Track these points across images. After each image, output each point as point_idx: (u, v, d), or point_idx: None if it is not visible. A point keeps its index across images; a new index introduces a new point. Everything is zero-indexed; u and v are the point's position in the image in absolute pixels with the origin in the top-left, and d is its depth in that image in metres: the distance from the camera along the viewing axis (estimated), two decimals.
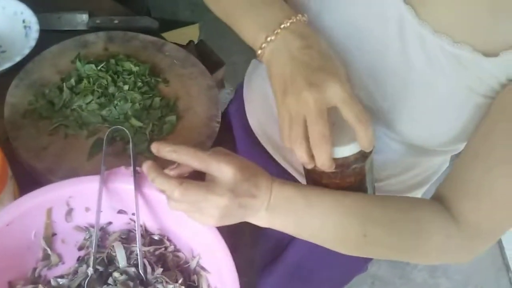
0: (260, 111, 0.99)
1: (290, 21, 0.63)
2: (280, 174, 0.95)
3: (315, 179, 0.70)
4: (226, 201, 0.61)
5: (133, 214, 0.74)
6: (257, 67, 1.01)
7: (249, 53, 0.71)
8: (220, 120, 0.90)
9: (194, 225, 0.69)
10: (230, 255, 0.67)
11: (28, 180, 0.76)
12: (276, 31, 0.62)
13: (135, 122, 0.85)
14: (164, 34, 1.08)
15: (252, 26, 0.65)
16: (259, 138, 1.00)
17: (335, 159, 0.65)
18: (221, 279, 0.67)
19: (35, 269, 0.71)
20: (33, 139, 0.80)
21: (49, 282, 0.69)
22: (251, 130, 1.01)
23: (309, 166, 0.64)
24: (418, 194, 0.97)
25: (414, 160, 0.89)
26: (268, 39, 0.63)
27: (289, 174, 0.97)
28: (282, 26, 0.62)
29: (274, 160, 0.98)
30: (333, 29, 0.72)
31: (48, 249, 0.71)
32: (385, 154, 0.82)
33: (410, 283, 2.08)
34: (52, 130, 0.82)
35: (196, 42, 1.09)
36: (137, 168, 0.74)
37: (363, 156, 0.67)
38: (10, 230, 0.64)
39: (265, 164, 0.84)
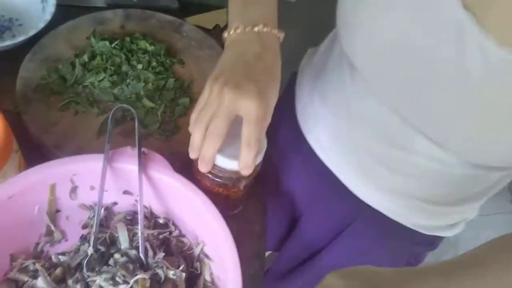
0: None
1: (265, 28, 0.65)
2: (321, 172, 0.87)
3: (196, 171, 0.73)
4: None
5: (138, 195, 0.73)
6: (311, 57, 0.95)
7: None
8: None
9: (200, 211, 0.67)
10: (234, 246, 0.65)
11: (36, 156, 0.74)
12: (246, 29, 0.65)
13: (147, 102, 0.83)
14: (190, 18, 1.07)
15: (235, 12, 0.69)
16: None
17: (215, 165, 0.68)
18: (224, 269, 0.65)
19: (37, 244, 0.70)
20: (43, 114, 0.79)
21: (50, 258, 0.68)
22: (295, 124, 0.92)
23: (192, 155, 0.67)
24: (473, 208, 0.87)
25: (469, 173, 0.78)
26: (238, 30, 0.66)
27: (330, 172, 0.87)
28: (255, 28, 0.65)
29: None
30: (384, 41, 0.66)
31: (52, 225, 0.70)
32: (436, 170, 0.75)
33: None
34: (63, 106, 0.81)
35: (222, 27, 1.07)
36: (143, 149, 0.72)
37: (238, 178, 0.70)
38: (12, 204, 0.63)
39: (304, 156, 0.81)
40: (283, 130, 0.91)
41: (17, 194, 0.63)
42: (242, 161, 0.64)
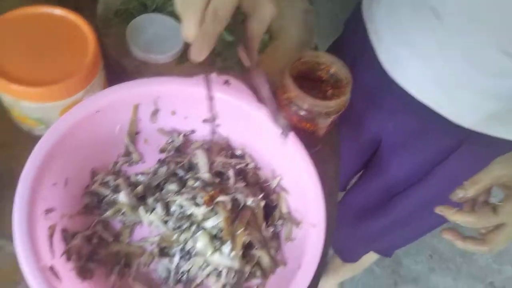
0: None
1: None
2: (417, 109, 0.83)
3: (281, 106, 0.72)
4: None
5: (217, 125, 0.72)
6: None
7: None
8: (314, 47, 0.86)
9: (282, 144, 0.66)
10: (319, 180, 0.64)
11: (115, 82, 0.74)
12: None
13: (226, 36, 0.82)
14: None
15: None
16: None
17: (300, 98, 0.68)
18: (304, 202, 0.64)
19: (116, 163, 0.70)
20: (123, 37, 0.79)
21: (128, 177, 0.69)
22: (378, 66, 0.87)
23: (189, 38, 0.53)
24: None
25: None
26: None
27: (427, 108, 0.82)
28: None
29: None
30: None
31: (130, 146, 0.70)
32: None
33: (472, 264, 1.99)
34: None
35: None
36: (228, 78, 0.71)
37: (327, 113, 0.70)
38: (98, 118, 0.63)
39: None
40: (365, 72, 0.88)
41: (104, 108, 0.63)
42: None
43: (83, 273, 0.61)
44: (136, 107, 0.67)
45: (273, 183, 0.70)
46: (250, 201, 0.66)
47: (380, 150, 0.94)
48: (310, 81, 0.74)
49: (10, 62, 0.60)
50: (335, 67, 0.73)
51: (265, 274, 0.65)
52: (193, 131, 0.74)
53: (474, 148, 0.82)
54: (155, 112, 0.70)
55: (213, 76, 0.70)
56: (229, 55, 0.81)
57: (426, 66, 0.78)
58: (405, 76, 0.83)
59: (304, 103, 0.68)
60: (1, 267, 0.63)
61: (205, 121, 0.72)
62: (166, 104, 0.69)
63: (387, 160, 0.91)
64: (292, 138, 0.66)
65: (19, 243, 0.52)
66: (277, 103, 0.73)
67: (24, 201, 0.55)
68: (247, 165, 0.72)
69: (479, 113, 0.77)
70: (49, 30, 0.64)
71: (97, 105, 0.62)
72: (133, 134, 0.70)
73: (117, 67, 0.76)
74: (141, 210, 0.66)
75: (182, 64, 0.79)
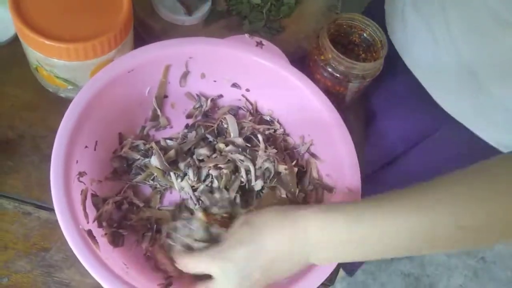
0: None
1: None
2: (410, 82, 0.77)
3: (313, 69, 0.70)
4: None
5: (246, 90, 0.70)
6: None
7: None
8: (339, 11, 0.83)
9: (315, 109, 0.65)
10: (353, 145, 0.63)
11: (141, 44, 0.71)
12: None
13: None
14: None
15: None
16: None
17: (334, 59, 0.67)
18: (337, 167, 0.63)
19: (143, 127, 0.68)
20: None
21: (158, 142, 0.66)
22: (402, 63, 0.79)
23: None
24: None
25: None
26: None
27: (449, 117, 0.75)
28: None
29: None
30: None
31: (158, 110, 0.68)
32: None
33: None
34: None
35: None
36: (261, 40, 0.69)
37: (363, 76, 0.68)
38: (130, 79, 0.61)
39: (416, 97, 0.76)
40: None
41: (137, 68, 0.61)
42: None
43: (115, 239, 0.59)
44: (167, 68, 0.65)
45: (303, 149, 0.68)
46: (282, 169, 0.64)
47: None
48: (342, 45, 0.72)
49: (43, 19, 0.57)
50: (370, 29, 0.71)
51: None
52: (220, 96, 0.71)
53: (449, 137, 0.79)
54: (185, 75, 0.67)
55: (246, 37, 0.68)
56: (256, 18, 0.79)
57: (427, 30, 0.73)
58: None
59: (341, 65, 0.66)
60: (29, 234, 0.60)
61: (233, 85, 0.70)
62: (197, 66, 0.67)
63: (381, 125, 0.87)
64: (326, 102, 0.64)
65: (58, 206, 0.50)
66: (311, 66, 0.71)
67: (60, 163, 0.52)
68: (275, 130, 0.70)
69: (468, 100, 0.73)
70: None
71: (131, 64, 0.60)
72: (161, 98, 0.68)
73: (143, 28, 0.73)
74: (172, 175, 0.64)
75: (209, 26, 0.76)
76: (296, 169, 0.65)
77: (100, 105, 0.58)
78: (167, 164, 0.63)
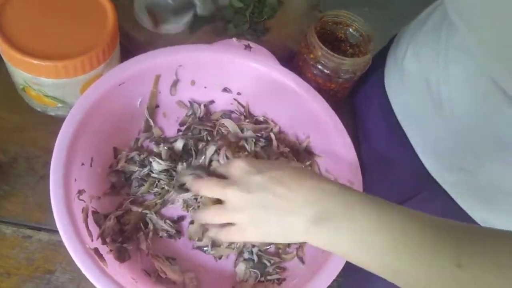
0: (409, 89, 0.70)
1: None
2: (420, 174, 0.69)
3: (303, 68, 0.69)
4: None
5: (238, 93, 0.70)
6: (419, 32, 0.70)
7: None
8: (320, 10, 0.84)
9: (309, 106, 0.65)
10: (349, 138, 0.63)
11: (126, 56, 0.71)
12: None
13: (235, 2, 0.79)
14: None
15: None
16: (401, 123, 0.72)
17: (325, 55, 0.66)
18: (336, 162, 0.63)
19: (137, 139, 0.67)
20: (131, 9, 0.75)
21: (152, 150, 0.66)
22: (394, 120, 0.72)
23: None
24: None
25: None
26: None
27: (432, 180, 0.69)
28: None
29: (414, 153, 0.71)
30: None
31: (150, 120, 0.67)
32: None
33: None
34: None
35: None
36: (249, 42, 0.69)
37: (354, 71, 0.68)
38: (121, 92, 0.60)
39: (403, 157, 0.70)
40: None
41: (128, 80, 0.60)
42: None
43: (120, 255, 0.58)
44: (157, 78, 0.64)
45: (302, 146, 0.68)
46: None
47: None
48: (329, 42, 0.73)
49: (27, 38, 0.56)
50: (356, 25, 0.71)
51: None
52: (212, 102, 0.71)
53: (432, 202, 0.71)
54: (175, 83, 0.67)
55: (234, 41, 0.68)
56: (240, 21, 0.78)
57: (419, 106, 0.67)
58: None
59: (330, 62, 0.66)
60: (31, 257, 0.59)
61: (224, 90, 0.70)
62: (186, 73, 0.66)
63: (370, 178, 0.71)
64: (319, 99, 0.64)
65: (62, 228, 0.49)
66: (301, 65, 0.71)
67: (59, 184, 0.51)
68: (271, 130, 0.70)
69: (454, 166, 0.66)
70: (65, 2, 0.59)
71: (121, 77, 0.59)
72: (153, 108, 0.67)
73: (127, 40, 0.72)
74: (179, 167, 0.64)
75: (194, 33, 0.75)
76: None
77: (93, 121, 0.57)
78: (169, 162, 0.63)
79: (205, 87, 0.69)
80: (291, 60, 0.75)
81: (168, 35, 0.74)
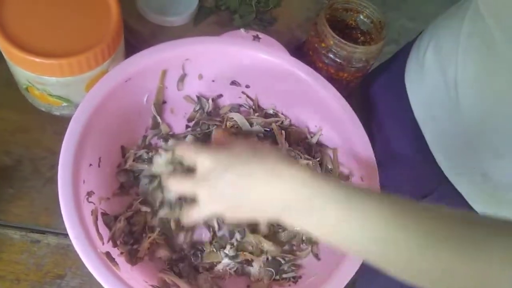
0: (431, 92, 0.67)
1: None
2: (433, 172, 0.68)
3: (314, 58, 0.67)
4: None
5: (246, 86, 0.68)
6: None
7: None
8: None
9: (321, 97, 0.63)
10: (363, 129, 0.61)
11: (131, 51, 0.68)
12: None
13: None
14: None
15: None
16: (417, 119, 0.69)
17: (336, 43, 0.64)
18: (350, 155, 0.61)
19: (145, 137, 0.65)
20: (133, 2, 0.72)
21: (160, 147, 0.64)
22: (411, 117, 0.70)
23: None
24: None
25: None
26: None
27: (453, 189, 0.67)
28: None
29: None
30: None
31: (158, 117, 0.65)
32: None
33: None
34: None
35: None
36: (257, 33, 0.67)
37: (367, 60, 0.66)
38: (127, 88, 0.58)
39: (416, 151, 0.69)
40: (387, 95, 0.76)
41: (133, 76, 0.58)
42: None
43: (132, 258, 0.56)
44: (164, 73, 0.62)
45: (314, 139, 0.66)
46: (304, 162, 0.62)
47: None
48: (339, 31, 0.70)
49: (30, 36, 0.54)
50: (367, 11, 0.69)
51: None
52: (220, 96, 0.69)
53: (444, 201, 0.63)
54: (182, 78, 0.64)
55: (241, 32, 0.66)
56: (246, 11, 0.76)
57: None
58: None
59: (343, 50, 0.64)
60: (40, 262, 0.57)
61: (232, 83, 0.67)
62: (194, 67, 0.64)
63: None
64: (332, 90, 0.62)
65: (73, 232, 0.47)
66: (311, 54, 0.69)
67: (68, 186, 0.49)
68: (282, 122, 0.68)
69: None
70: None
71: (127, 73, 0.57)
72: (160, 104, 0.65)
73: (131, 34, 0.70)
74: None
75: (199, 24, 0.73)
76: (318, 162, 0.64)
77: (100, 119, 0.55)
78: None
79: (213, 81, 0.67)
80: (299, 49, 0.72)
81: (173, 28, 0.72)
